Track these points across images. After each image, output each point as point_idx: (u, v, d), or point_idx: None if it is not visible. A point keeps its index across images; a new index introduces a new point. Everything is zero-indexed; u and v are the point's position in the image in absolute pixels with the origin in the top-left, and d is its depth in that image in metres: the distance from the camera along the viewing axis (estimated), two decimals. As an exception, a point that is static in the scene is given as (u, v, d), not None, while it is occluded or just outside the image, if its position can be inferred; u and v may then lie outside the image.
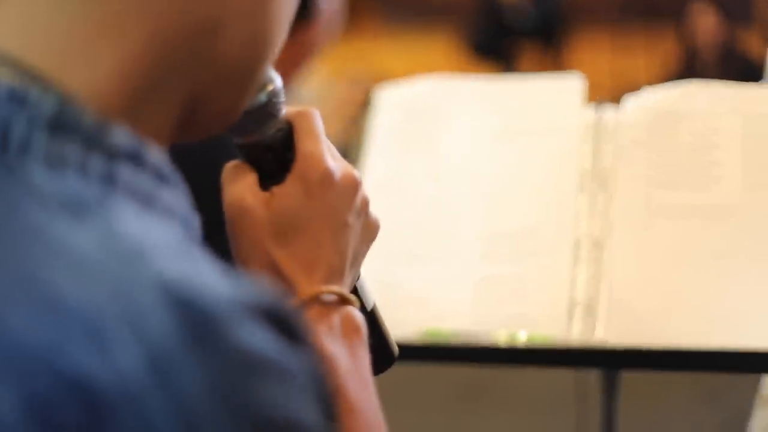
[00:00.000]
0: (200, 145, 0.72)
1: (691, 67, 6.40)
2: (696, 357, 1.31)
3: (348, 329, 0.81)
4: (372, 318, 0.89)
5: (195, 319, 0.52)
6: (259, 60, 0.67)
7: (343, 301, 0.82)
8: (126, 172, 0.58)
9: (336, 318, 0.80)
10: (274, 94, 0.82)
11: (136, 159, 0.59)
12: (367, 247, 0.86)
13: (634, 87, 1.60)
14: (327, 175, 0.81)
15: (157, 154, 0.61)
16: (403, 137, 1.58)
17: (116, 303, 0.52)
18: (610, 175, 1.46)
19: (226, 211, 0.82)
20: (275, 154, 0.83)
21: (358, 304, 0.84)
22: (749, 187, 1.43)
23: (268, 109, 0.82)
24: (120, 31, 0.60)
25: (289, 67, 2.28)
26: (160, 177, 0.61)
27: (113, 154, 0.58)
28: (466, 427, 2.22)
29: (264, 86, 0.81)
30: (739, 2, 7.29)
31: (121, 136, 0.59)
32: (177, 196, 0.62)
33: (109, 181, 0.57)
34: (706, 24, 6.47)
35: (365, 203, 0.85)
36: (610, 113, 1.51)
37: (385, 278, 1.45)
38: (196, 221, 0.63)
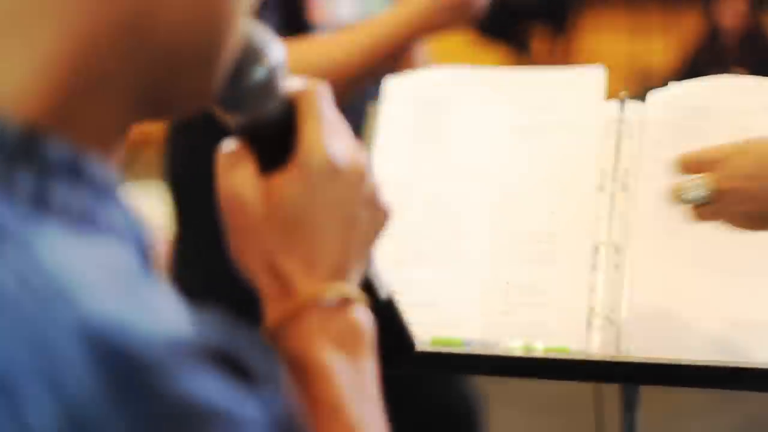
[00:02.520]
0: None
1: (712, 52, 6.30)
2: (721, 374, 1.24)
3: (351, 335, 0.74)
4: (388, 309, 0.84)
5: (122, 369, 0.48)
6: (215, 33, 0.61)
7: (348, 300, 0.75)
8: (60, 190, 0.53)
9: (337, 323, 0.74)
10: (270, 69, 0.74)
11: (73, 173, 0.54)
12: (377, 237, 0.79)
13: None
14: (330, 164, 0.74)
15: (98, 164, 0.55)
16: (412, 130, 1.50)
17: (32, 353, 0.47)
18: (631, 175, 1.38)
19: (222, 203, 0.75)
20: (275, 136, 0.75)
21: (365, 300, 0.77)
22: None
23: (264, 85, 0.74)
24: (31, 24, 0.55)
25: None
26: (103, 190, 0.55)
27: (45, 170, 0.53)
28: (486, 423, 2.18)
29: (257, 59, 0.73)
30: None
31: (55, 147, 0.53)
32: (123, 210, 0.57)
33: (40, 201, 0.52)
34: (733, 8, 6.36)
35: (373, 191, 0.78)
36: (632, 109, 1.43)
37: (390, 280, 1.37)
38: (147, 234, 0.58)
